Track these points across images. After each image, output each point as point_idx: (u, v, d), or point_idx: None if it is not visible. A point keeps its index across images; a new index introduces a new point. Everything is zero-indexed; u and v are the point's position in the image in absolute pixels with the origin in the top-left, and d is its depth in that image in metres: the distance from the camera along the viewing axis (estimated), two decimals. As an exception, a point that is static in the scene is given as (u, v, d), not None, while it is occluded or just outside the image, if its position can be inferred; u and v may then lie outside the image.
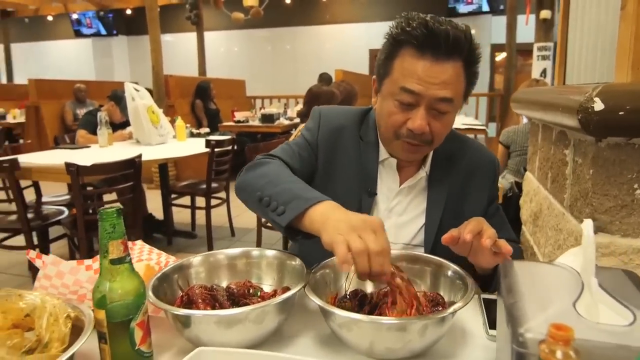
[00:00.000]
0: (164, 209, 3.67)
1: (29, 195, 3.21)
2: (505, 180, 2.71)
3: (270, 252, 0.83)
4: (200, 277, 0.78)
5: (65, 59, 11.21)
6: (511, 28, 6.18)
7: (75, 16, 10.36)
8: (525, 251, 1.68)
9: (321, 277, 0.77)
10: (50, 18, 10.00)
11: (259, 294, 0.77)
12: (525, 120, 3.13)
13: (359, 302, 0.74)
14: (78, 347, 0.55)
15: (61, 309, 0.58)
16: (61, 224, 2.70)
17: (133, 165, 2.50)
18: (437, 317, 0.62)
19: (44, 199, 3.34)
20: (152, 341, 0.64)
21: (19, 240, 2.57)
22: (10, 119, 7.06)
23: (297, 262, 0.79)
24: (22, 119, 6.65)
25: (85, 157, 2.78)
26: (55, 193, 3.50)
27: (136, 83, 6.53)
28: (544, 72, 4.43)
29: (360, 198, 1.02)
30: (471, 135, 5.92)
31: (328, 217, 0.72)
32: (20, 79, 7.98)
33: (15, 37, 10.33)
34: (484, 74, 8.85)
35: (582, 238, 0.49)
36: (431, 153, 1.02)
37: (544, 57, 4.52)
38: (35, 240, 2.91)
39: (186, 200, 3.69)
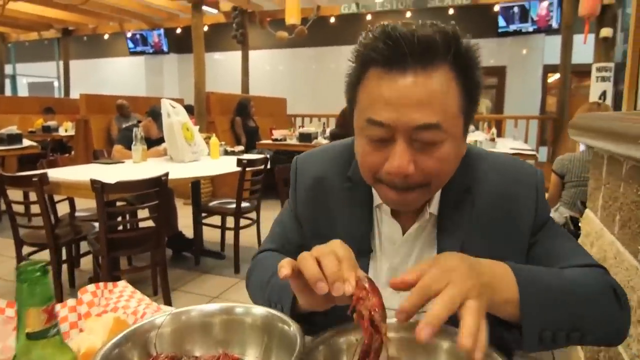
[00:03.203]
0: (194, 228, 3.61)
1: (65, 208, 3.25)
2: (558, 214, 2.43)
3: (258, 311, 0.66)
4: (169, 342, 0.63)
5: (119, 75, 11.72)
6: (566, 47, 5.81)
7: (129, 34, 10.85)
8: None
9: (318, 353, 0.60)
10: (106, 36, 10.51)
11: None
12: (582, 148, 2.83)
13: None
14: None
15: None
16: (87, 240, 2.66)
17: (159, 184, 2.43)
18: None
19: (80, 213, 3.34)
20: None
21: (47, 254, 2.56)
22: (62, 132, 7.37)
23: (291, 327, 0.62)
24: (73, 132, 6.92)
25: (117, 173, 2.75)
26: (93, 206, 3.53)
27: (182, 100, 6.64)
28: (603, 95, 4.06)
29: None
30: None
31: None
32: (76, 94, 8.39)
33: (74, 54, 10.93)
34: (535, 96, 8.40)
35: None
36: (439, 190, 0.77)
37: (604, 79, 4.15)
38: (65, 255, 2.91)
39: (217, 219, 3.61)
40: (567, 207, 2.47)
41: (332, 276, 0.54)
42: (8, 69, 11.82)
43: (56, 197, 3.01)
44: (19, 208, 2.66)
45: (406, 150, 0.64)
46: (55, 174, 2.63)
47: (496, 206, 0.75)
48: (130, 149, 3.49)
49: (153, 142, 3.77)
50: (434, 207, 0.77)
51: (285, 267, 0.57)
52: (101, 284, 0.81)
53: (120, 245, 2.50)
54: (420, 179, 0.67)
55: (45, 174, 2.40)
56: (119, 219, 3.26)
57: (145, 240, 2.59)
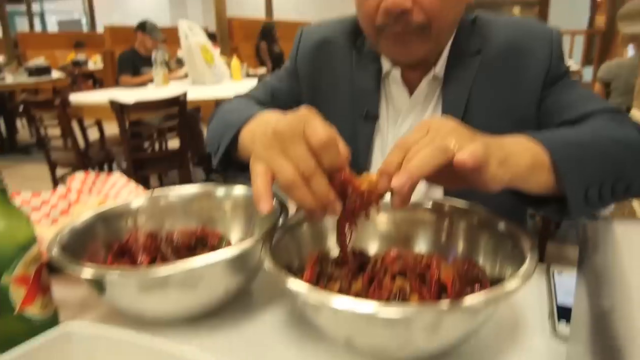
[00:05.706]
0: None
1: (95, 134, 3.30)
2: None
3: (239, 191, 0.62)
4: (148, 223, 0.59)
5: (143, 6, 11.49)
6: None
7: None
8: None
9: (303, 228, 0.54)
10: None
11: (224, 244, 0.57)
12: (631, 53, 2.55)
13: (358, 268, 0.51)
14: None
15: None
16: (115, 160, 2.71)
17: (177, 103, 2.39)
18: (460, 306, 0.37)
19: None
20: (53, 301, 0.47)
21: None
22: (91, 66, 7.37)
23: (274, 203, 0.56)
24: (101, 65, 6.92)
25: (138, 95, 2.73)
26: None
27: (206, 28, 6.45)
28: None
29: (355, 124, 0.76)
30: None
31: (254, 134, 0.55)
32: (102, 29, 8.32)
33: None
34: (583, 10, 7.63)
35: None
36: (446, 49, 0.71)
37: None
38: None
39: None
40: (611, 118, 2.27)
41: (322, 201, 0.42)
42: (35, 7, 11.76)
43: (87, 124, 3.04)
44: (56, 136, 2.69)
45: None
46: (78, 98, 2.63)
47: (506, 58, 0.71)
48: (135, 74, 3.52)
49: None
50: (440, 68, 0.71)
51: (264, 199, 0.41)
52: (92, 173, 0.78)
53: (147, 165, 2.53)
54: (420, 17, 0.61)
55: (66, 98, 2.40)
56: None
57: (171, 159, 2.60)
